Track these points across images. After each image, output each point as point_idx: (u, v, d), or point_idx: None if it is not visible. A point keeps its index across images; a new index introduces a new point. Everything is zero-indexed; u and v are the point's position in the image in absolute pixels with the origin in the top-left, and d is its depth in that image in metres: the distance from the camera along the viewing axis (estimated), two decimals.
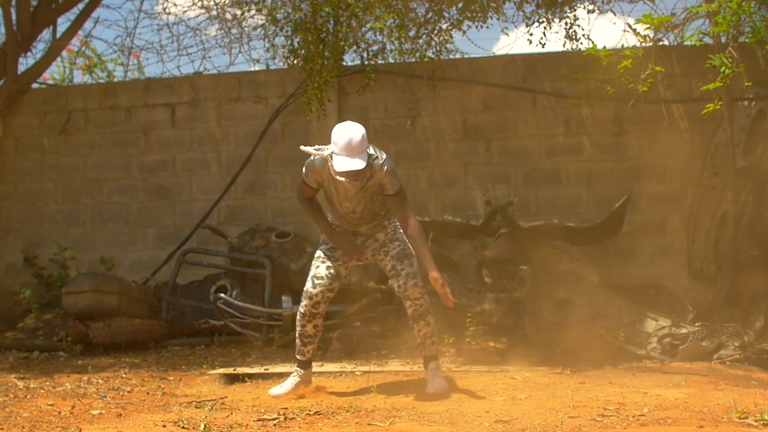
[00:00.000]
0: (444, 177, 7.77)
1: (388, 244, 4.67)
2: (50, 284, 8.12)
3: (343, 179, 4.43)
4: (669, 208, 7.37)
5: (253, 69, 8.69)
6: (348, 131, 4.34)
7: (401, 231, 4.67)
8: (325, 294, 4.61)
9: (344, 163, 4.31)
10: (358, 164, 4.30)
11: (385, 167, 4.47)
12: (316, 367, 5.61)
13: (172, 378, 5.57)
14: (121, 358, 6.43)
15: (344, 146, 4.30)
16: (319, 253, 4.71)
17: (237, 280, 7.48)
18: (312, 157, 4.54)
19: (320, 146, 4.52)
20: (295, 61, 6.96)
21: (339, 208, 4.65)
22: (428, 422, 3.82)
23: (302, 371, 4.75)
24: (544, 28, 7.43)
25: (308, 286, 4.63)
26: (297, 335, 4.72)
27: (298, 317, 4.69)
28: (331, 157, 4.37)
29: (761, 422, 3.59)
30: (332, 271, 4.63)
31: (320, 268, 4.65)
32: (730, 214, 6.53)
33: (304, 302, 4.63)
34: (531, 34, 7.46)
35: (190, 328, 7.33)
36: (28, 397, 4.79)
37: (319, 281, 4.61)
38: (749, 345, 5.62)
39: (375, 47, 7.69)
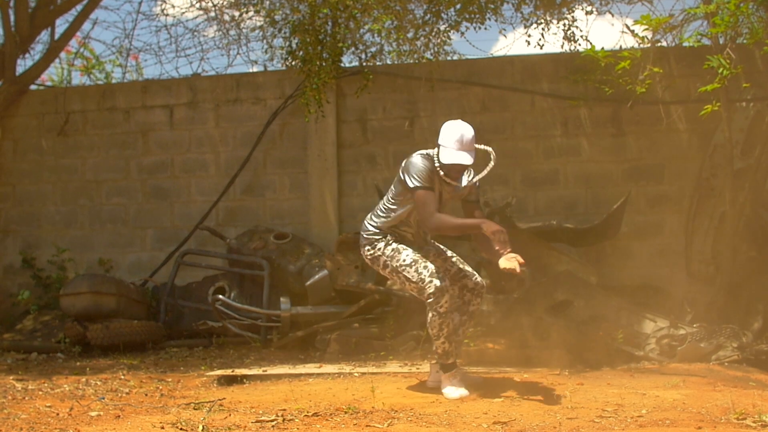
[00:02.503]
0: None
1: (445, 251, 4.68)
2: (48, 286, 8.11)
3: (441, 175, 4.41)
4: (667, 209, 7.38)
5: (251, 70, 8.69)
6: (461, 126, 4.40)
7: None
8: (448, 282, 4.40)
9: (453, 156, 4.33)
10: (467, 158, 4.33)
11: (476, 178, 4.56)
12: (314, 369, 5.62)
13: (170, 379, 5.56)
14: (119, 360, 6.43)
15: (456, 140, 4.34)
16: (408, 259, 4.43)
17: (235, 282, 7.48)
18: (421, 161, 4.42)
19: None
20: (294, 63, 6.96)
21: (410, 217, 4.56)
22: (426, 423, 3.81)
23: (459, 371, 4.52)
24: (543, 29, 7.43)
25: (435, 282, 4.32)
26: (444, 339, 4.39)
27: (438, 320, 4.34)
28: (438, 148, 4.37)
29: (759, 423, 3.59)
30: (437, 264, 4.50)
31: (428, 265, 4.38)
32: (728, 215, 6.53)
33: (441, 301, 4.31)
34: (529, 36, 7.47)
35: (189, 329, 7.33)
36: (27, 398, 4.79)
37: (440, 273, 4.36)
38: (747, 346, 5.63)
39: (373, 49, 7.69)
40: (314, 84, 6.72)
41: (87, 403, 4.60)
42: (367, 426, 3.78)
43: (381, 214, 4.59)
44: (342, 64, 7.16)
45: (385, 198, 4.63)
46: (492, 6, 7.05)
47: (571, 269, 6.29)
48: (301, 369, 5.63)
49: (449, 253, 4.71)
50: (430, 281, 4.34)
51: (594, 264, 6.89)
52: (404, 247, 4.51)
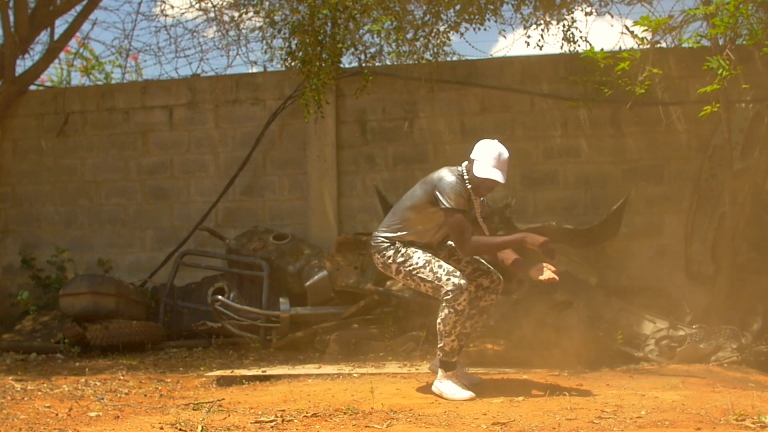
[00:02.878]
0: None
1: (456, 252, 4.63)
2: (48, 286, 8.11)
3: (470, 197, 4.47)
4: (666, 210, 7.38)
5: (250, 71, 8.70)
6: (499, 146, 4.45)
7: None
8: (466, 280, 4.37)
9: (490, 171, 4.38)
10: (501, 176, 4.38)
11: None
12: (314, 369, 5.62)
13: (169, 380, 5.56)
14: (118, 360, 6.42)
15: (494, 157, 4.40)
16: (421, 260, 4.42)
17: (234, 282, 7.48)
18: (456, 181, 4.42)
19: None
20: (293, 63, 6.95)
21: (430, 234, 4.58)
22: (426, 424, 3.82)
23: (456, 371, 4.51)
24: (542, 30, 7.43)
25: (454, 280, 4.31)
26: (454, 337, 4.38)
27: (454, 317, 4.32)
28: (472, 163, 4.42)
29: (758, 424, 3.59)
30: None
31: (443, 264, 4.40)
32: (727, 216, 6.53)
33: (459, 299, 4.28)
34: (528, 37, 7.47)
35: (188, 330, 7.33)
36: (26, 399, 4.79)
37: (458, 273, 4.36)
38: (747, 347, 5.63)
39: (373, 49, 7.69)
40: (314, 85, 6.72)
41: (86, 403, 4.60)
42: (366, 427, 3.78)
43: (395, 225, 4.55)
44: (341, 65, 7.16)
45: (400, 207, 4.58)
46: (491, 7, 7.06)
47: (571, 270, 6.29)
48: (300, 370, 5.63)
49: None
50: (448, 279, 4.33)
51: (593, 265, 6.89)
52: (414, 249, 4.49)
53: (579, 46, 7.37)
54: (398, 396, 4.51)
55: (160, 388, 5.23)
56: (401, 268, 4.48)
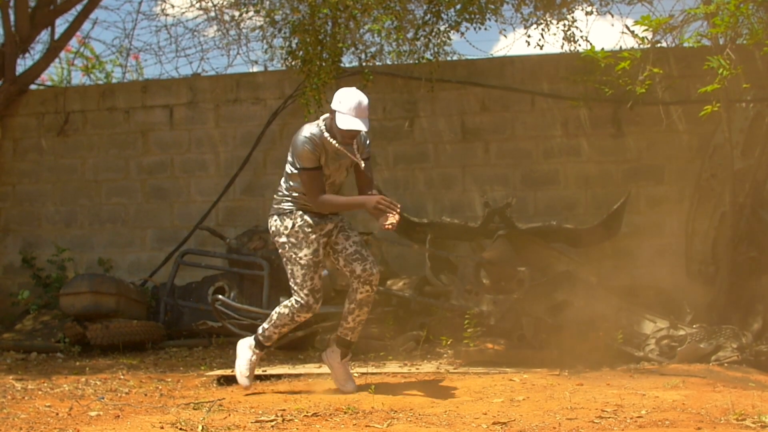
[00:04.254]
0: (442, 178, 7.77)
1: (348, 229, 4.67)
2: (48, 285, 8.11)
3: (334, 149, 4.47)
4: (667, 209, 7.37)
5: (251, 70, 8.70)
6: (357, 94, 4.43)
7: None
8: (319, 305, 4.61)
9: (351, 122, 4.36)
10: (364, 125, 4.38)
11: (368, 138, 4.66)
12: (314, 369, 5.62)
13: (170, 379, 5.57)
14: (119, 360, 6.43)
15: (353, 107, 4.37)
16: (306, 261, 4.53)
17: (235, 282, 7.48)
18: (309, 133, 4.47)
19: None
20: (294, 63, 6.96)
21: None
22: (426, 424, 3.82)
23: (261, 353, 4.83)
24: (542, 29, 7.43)
25: (309, 300, 4.53)
26: (277, 331, 4.69)
27: (287, 320, 4.61)
28: (335, 114, 4.40)
29: (759, 424, 3.59)
30: (322, 278, 4.63)
31: (315, 279, 4.55)
32: (728, 215, 6.52)
33: (302, 314, 4.56)
34: (529, 36, 7.47)
35: (188, 329, 7.32)
36: (26, 398, 4.79)
37: (319, 294, 4.57)
38: (747, 347, 5.62)
39: (373, 49, 7.70)
40: (314, 84, 6.72)
41: (86, 402, 4.60)
42: (366, 426, 3.78)
43: (294, 184, 4.60)
44: (342, 64, 7.16)
45: (288, 167, 4.63)
46: (492, 6, 7.06)
47: (571, 269, 6.28)
48: (300, 369, 5.64)
49: (353, 233, 4.68)
50: (306, 294, 4.52)
51: (594, 264, 6.88)
52: (309, 242, 4.54)
53: (579, 45, 7.38)
54: (399, 395, 4.51)
55: (160, 387, 5.23)
56: (287, 247, 4.56)
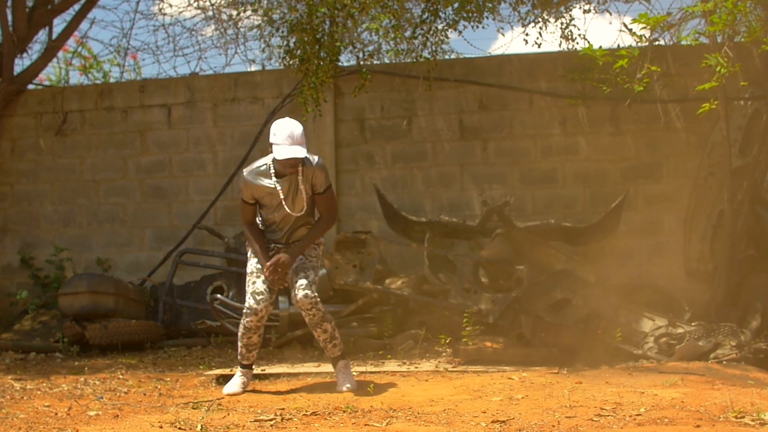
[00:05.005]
0: (440, 177, 7.77)
1: (297, 260, 4.79)
2: (47, 285, 8.11)
3: (273, 183, 4.63)
4: (665, 207, 7.38)
5: (249, 69, 8.69)
6: (289, 123, 4.58)
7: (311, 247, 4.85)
8: (267, 307, 4.74)
9: (286, 151, 4.51)
10: (299, 152, 4.51)
11: (320, 163, 4.76)
12: (313, 368, 5.62)
13: (168, 379, 5.56)
14: (117, 359, 6.42)
15: (286, 136, 4.52)
16: (251, 268, 4.79)
17: (233, 281, 7.47)
18: (245, 173, 4.71)
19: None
20: (291, 62, 6.95)
21: (273, 218, 4.78)
22: (425, 422, 3.82)
23: (248, 371, 4.95)
24: (540, 28, 7.44)
25: (251, 302, 4.71)
26: (242, 345, 4.84)
27: (242, 330, 4.78)
28: (271, 147, 4.56)
29: (758, 421, 3.59)
30: (268, 284, 4.74)
31: (257, 283, 4.73)
32: (726, 213, 6.53)
33: (248, 318, 4.72)
34: (527, 35, 7.46)
35: (187, 328, 7.33)
36: (25, 398, 4.79)
37: (261, 296, 4.71)
38: (746, 344, 5.62)
39: (371, 47, 7.70)
40: (312, 83, 6.72)
41: (85, 402, 4.60)
42: (365, 425, 3.78)
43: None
44: (340, 63, 7.16)
45: None
46: (489, 5, 7.06)
47: (570, 268, 6.29)
48: (299, 368, 5.64)
49: (295, 265, 4.76)
50: (249, 298, 4.73)
51: (592, 263, 6.88)
52: (252, 254, 4.85)
53: (577, 43, 7.38)
54: (398, 394, 4.52)
55: (159, 386, 5.23)
56: (248, 263, 4.86)
